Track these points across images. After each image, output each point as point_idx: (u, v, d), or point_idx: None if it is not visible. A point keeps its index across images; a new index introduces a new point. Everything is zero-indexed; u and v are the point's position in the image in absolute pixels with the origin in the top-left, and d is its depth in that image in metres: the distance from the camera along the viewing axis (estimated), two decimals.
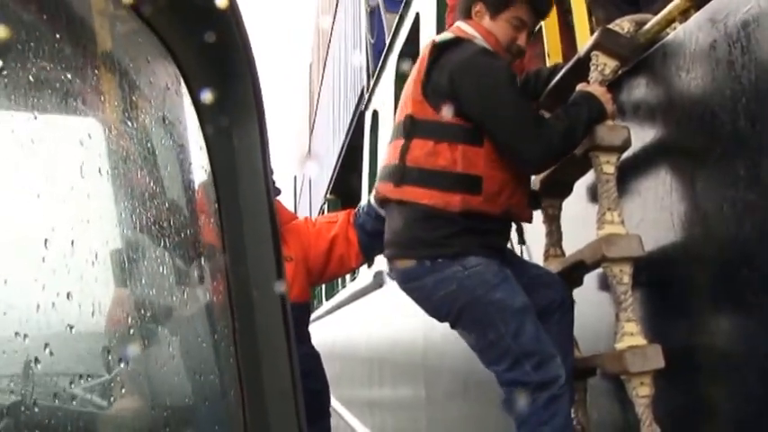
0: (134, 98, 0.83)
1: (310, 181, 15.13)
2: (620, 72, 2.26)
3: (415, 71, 2.20)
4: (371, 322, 6.93)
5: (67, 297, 0.63)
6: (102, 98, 0.79)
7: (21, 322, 0.58)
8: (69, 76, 0.72)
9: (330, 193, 12.24)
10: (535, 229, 2.45)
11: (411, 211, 2.12)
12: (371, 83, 7.85)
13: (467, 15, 2.28)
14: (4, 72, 0.61)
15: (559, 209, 2.50)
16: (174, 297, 0.87)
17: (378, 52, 7.65)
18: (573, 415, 2.22)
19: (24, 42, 0.64)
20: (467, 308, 2.08)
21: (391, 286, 5.89)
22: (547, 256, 2.47)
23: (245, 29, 0.77)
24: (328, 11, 12.73)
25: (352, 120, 9.38)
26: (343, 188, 10.94)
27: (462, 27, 2.26)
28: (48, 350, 0.61)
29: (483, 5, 2.24)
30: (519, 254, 2.44)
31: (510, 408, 2.07)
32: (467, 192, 2.06)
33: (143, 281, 0.82)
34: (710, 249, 1.94)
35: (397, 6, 6.60)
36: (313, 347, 2.85)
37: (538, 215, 2.48)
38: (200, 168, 0.83)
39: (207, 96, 0.79)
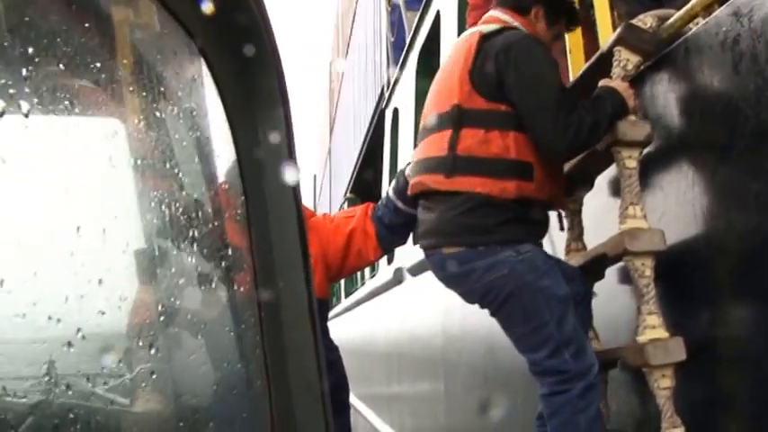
0: (160, 91, 0.84)
1: (330, 179, 15.18)
2: (642, 67, 2.27)
3: (460, 61, 2.20)
4: (391, 318, 6.96)
5: (94, 293, 0.64)
6: (128, 93, 0.80)
7: (46, 319, 0.58)
8: (94, 70, 0.72)
9: (350, 192, 12.28)
10: (554, 223, 2.47)
11: (463, 201, 2.11)
12: (392, 81, 7.88)
13: (517, 10, 2.30)
14: (30, 68, 0.62)
15: (581, 203, 2.51)
16: (201, 290, 0.86)
17: (398, 50, 7.68)
18: None
19: (50, 39, 0.65)
20: (515, 293, 2.09)
21: (411, 282, 5.92)
22: (568, 250, 2.49)
23: (269, 19, 0.77)
24: (348, 9, 12.77)
25: (372, 118, 9.41)
26: (364, 187, 10.97)
27: (502, 17, 2.29)
28: (73, 347, 0.61)
29: (543, 13, 2.31)
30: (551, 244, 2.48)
31: (546, 396, 2.08)
32: (520, 178, 2.09)
33: (169, 275, 0.82)
34: (732, 243, 1.95)
35: (418, 4, 6.62)
36: (331, 341, 2.88)
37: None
38: (225, 160, 0.83)
39: (232, 87, 0.79)
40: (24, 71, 0.61)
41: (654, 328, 2.00)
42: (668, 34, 2.21)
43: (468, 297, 2.26)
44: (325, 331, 2.88)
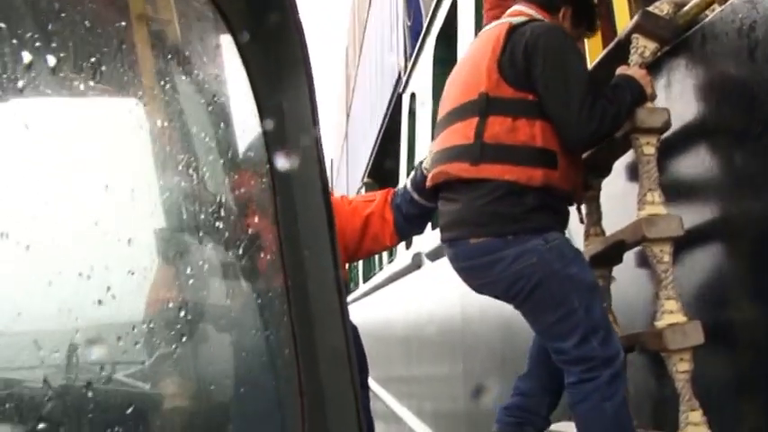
0: (183, 63, 0.84)
1: (347, 164, 15.21)
2: (659, 54, 2.28)
3: (488, 51, 2.20)
4: (409, 303, 7.01)
5: (113, 274, 0.64)
6: (150, 64, 0.79)
7: (64, 303, 0.58)
8: (114, 41, 0.71)
9: (367, 177, 12.31)
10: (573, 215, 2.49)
11: (489, 189, 2.11)
12: (409, 66, 7.87)
13: (546, 8, 2.32)
14: (53, 46, 0.61)
15: (599, 189, 2.53)
16: (226, 261, 0.86)
17: (415, 34, 7.66)
18: None
19: (69, 11, 0.64)
20: (544, 281, 2.09)
21: (429, 267, 5.96)
22: (587, 236, 2.51)
23: None
24: None
25: (389, 103, 9.42)
26: (381, 172, 10.99)
27: (528, 11, 2.30)
28: (93, 330, 0.62)
29: (571, 14, 2.34)
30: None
31: (573, 384, 2.09)
32: (546, 166, 2.09)
33: (192, 250, 0.81)
34: (749, 227, 1.97)
35: None
36: (350, 320, 2.91)
37: None
38: (249, 130, 0.83)
39: (255, 56, 0.79)
40: (44, 43, 0.61)
41: (672, 313, 2.03)
42: (685, 21, 2.22)
43: (490, 288, 2.25)
44: None
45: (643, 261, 2.26)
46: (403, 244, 6.42)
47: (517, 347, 3.42)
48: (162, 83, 0.81)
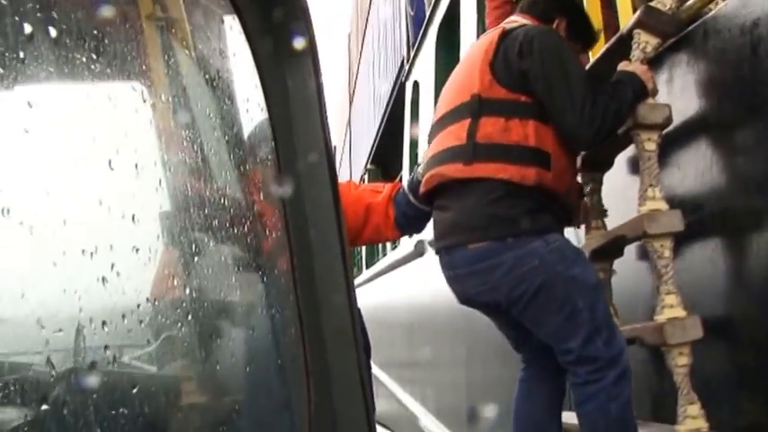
0: (188, 48, 0.82)
1: (350, 150, 15.21)
2: (661, 49, 2.29)
3: (480, 54, 2.20)
4: (412, 289, 7.04)
5: (117, 259, 0.63)
6: (154, 49, 0.78)
7: (69, 290, 0.58)
8: (118, 25, 0.70)
9: (371, 164, 12.32)
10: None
11: (485, 191, 2.09)
12: (412, 54, 7.86)
13: (540, 19, 2.31)
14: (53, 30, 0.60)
15: (600, 182, 2.54)
16: (230, 244, 0.85)
17: (418, 23, 7.65)
18: None
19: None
20: (546, 284, 2.07)
21: (432, 255, 5.98)
22: (588, 229, 2.53)
23: None
24: None
25: (392, 90, 9.41)
26: (384, 159, 11.00)
27: (523, 21, 2.30)
28: (97, 315, 0.61)
29: (565, 26, 2.32)
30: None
31: (579, 385, 2.08)
32: (540, 166, 2.08)
33: (197, 233, 0.80)
34: (750, 223, 1.99)
35: None
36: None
37: None
38: (256, 113, 0.82)
39: (262, 38, 0.78)
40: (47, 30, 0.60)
41: (672, 308, 2.05)
42: (687, 15, 2.23)
43: (490, 294, 2.17)
44: None
45: (643, 254, 2.28)
46: None
47: None
48: (166, 64, 0.80)
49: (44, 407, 0.58)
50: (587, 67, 2.53)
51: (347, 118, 15.70)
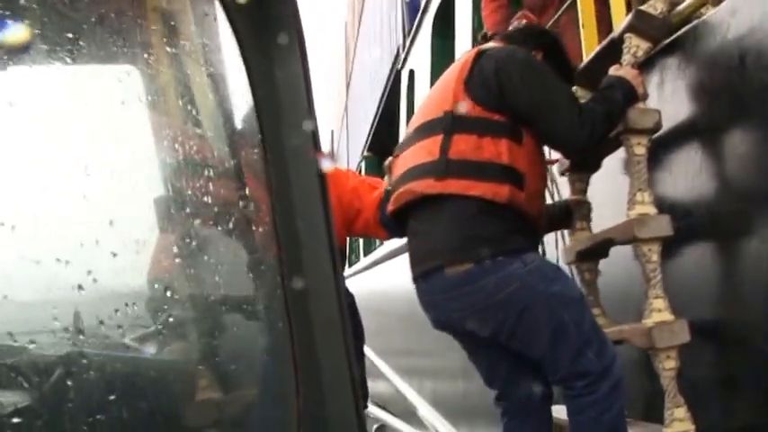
0: (171, 30, 0.82)
1: (347, 136, 15.19)
2: (652, 53, 2.29)
3: (455, 73, 2.19)
4: (410, 277, 7.05)
5: (114, 242, 0.64)
6: (138, 33, 0.78)
7: (67, 270, 0.59)
8: (103, 12, 0.71)
9: (368, 151, 12.31)
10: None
11: (457, 210, 2.05)
12: (407, 42, 7.84)
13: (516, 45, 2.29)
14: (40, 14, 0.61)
15: (587, 184, 2.55)
16: (220, 233, 0.85)
17: (413, 11, 7.63)
18: None
19: None
20: (529, 305, 2.04)
21: None
22: (573, 231, 2.54)
23: None
24: None
25: (388, 78, 9.39)
26: (381, 146, 10.99)
27: (499, 46, 2.30)
28: (95, 297, 0.62)
29: (542, 57, 2.28)
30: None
31: (572, 398, 2.06)
32: (512, 184, 2.05)
33: (188, 219, 0.80)
34: (737, 228, 2.01)
35: None
36: (347, 288, 2.87)
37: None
38: (240, 94, 0.82)
39: (245, 20, 0.77)
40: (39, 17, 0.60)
41: (660, 312, 2.07)
42: (678, 20, 2.24)
43: (472, 321, 2.12)
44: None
45: (630, 255, 2.27)
46: None
47: None
48: (150, 50, 0.80)
49: (42, 388, 0.59)
50: (579, 69, 2.54)
51: (344, 103, 15.67)
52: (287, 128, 0.80)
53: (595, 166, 2.50)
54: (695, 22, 2.18)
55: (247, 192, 0.86)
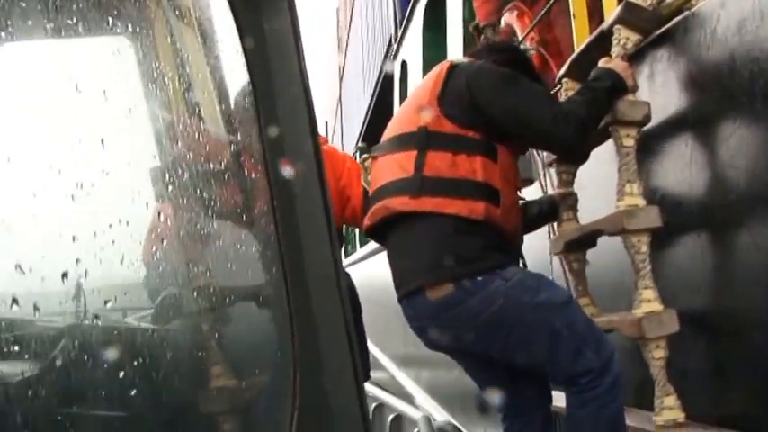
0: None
1: (341, 127, 15.18)
2: (642, 45, 2.31)
3: (429, 86, 2.18)
4: None
5: (111, 216, 0.64)
6: (128, 4, 0.77)
7: (66, 247, 0.59)
8: None
9: (362, 141, 12.31)
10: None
11: (435, 228, 2.05)
12: (399, 33, 7.83)
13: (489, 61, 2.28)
14: None
15: (574, 175, 2.57)
16: (217, 204, 0.84)
17: (405, 1, 7.61)
18: None
19: None
20: (518, 319, 2.05)
21: None
22: (560, 222, 2.55)
23: None
24: None
25: (380, 69, 9.39)
26: (375, 136, 10.98)
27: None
28: (96, 273, 0.62)
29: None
30: None
31: (574, 394, 2.06)
32: (488, 201, 2.05)
33: (185, 190, 0.79)
34: (725, 219, 2.03)
35: None
36: (344, 270, 2.80)
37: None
38: (230, 55, 0.81)
39: None
40: None
41: (649, 302, 2.09)
42: (668, 12, 2.24)
43: (461, 343, 2.14)
44: None
45: (619, 244, 2.28)
46: None
47: None
48: (140, 17, 0.79)
49: (43, 360, 0.59)
50: (569, 61, 2.55)
51: (337, 95, 15.65)
52: (277, 81, 0.79)
53: (583, 158, 2.51)
54: (685, 13, 2.19)
55: (241, 149, 0.85)
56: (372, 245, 10.04)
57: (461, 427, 3.31)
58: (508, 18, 3.88)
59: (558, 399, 2.45)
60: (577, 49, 2.68)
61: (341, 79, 15.08)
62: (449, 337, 2.15)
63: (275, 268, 0.79)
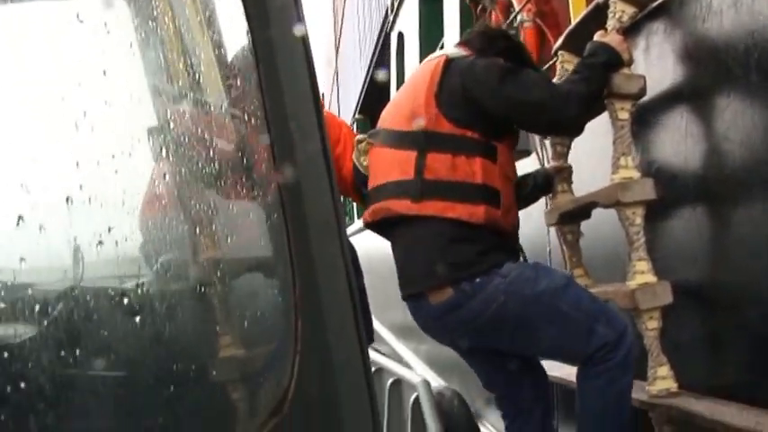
0: None
1: (338, 99, 15.11)
2: (637, 17, 2.30)
3: (426, 80, 2.17)
4: None
5: (109, 177, 0.64)
6: None
7: (63, 209, 0.59)
8: None
9: (359, 113, 12.28)
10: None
11: (436, 233, 2.06)
12: (395, 4, 7.77)
13: (477, 51, 2.26)
14: None
15: (569, 147, 2.58)
16: (217, 165, 0.82)
17: None
18: None
19: None
20: (523, 311, 2.06)
21: None
22: (555, 193, 2.56)
23: None
24: None
25: (377, 41, 9.33)
26: (372, 108, 10.95)
27: (463, 53, 2.28)
28: (92, 234, 0.61)
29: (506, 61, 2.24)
30: None
31: (588, 365, 2.06)
32: (488, 203, 2.07)
33: (184, 151, 0.79)
34: (719, 191, 2.05)
35: None
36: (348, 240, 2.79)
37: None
38: (230, 15, 0.80)
39: None
40: None
41: (643, 274, 2.11)
42: None
43: (469, 341, 2.18)
44: None
45: (613, 216, 2.30)
46: None
47: None
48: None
49: (42, 322, 0.59)
50: (565, 33, 2.55)
51: (334, 67, 15.55)
52: (276, 35, 0.78)
53: (578, 131, 2.51)
54: None
55: (238, 109, 0.84)
56: None
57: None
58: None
59: (554, 368, 2.50)
60: (573, 23, 2.67)
61: (337, 51, 14.98)
62: (455, 336, 2.21)
63: (276, 214, 0.78)
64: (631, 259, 2.14)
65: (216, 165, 0.82)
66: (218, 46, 0.86)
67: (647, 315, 2.10)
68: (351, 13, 12.82)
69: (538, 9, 3.92)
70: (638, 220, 2.14)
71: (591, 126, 2.48)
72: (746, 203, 1.95)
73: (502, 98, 2.10)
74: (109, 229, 0.67)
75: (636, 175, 2.16)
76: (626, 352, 2.04)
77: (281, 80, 0.78)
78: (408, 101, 2.22)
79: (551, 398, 2.49)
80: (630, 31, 2.30)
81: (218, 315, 0.81)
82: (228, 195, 0.84)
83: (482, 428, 3.65)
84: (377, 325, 8.82)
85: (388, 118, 2.28)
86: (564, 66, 2.58)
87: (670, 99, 2.24)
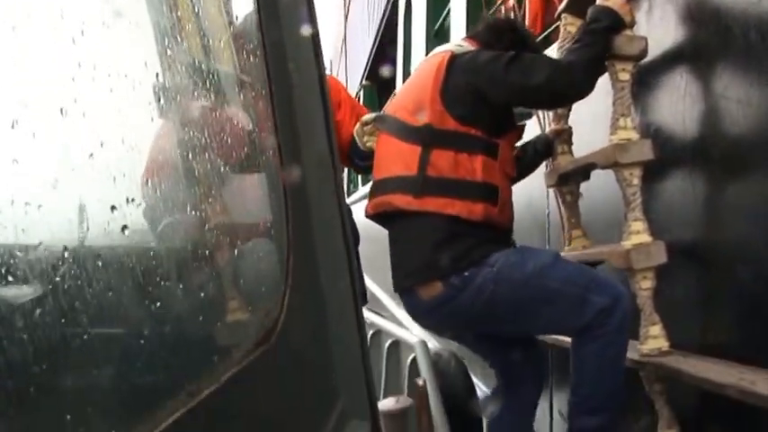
0: None
1: (345, 66, 15.03)
2: None
3: (431, 75, 2.20)
4: None
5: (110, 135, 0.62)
6: None
7: (66, 169, 0.58)
8: None
9: (366, 80, 12.22)
10: None
11: (432, 229, 2.10)
12: None
13: (483, 44, 2.29)
14: None
15: (569, 110, 2.58)
16: (217, 127, 0.81)
17: None
18: None
19: None
20: (515, 298, 2.10)
21: None
22: (555, 155, 2.58)
23: None
24: None
25: (385, 7, 9.25)
26: (379, 76, 10.91)
27: (469, 47, 2.29)
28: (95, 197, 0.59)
29: None
30: None
31: (586, 330, 2.07)
32: (486, 201, 2.11)
33: (186, 108, 0.77)
34: (716, 153, 2.06)
35: None
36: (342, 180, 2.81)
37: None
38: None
39: None
40: None
41: (638, 234, 2.14)
42: None
43: (475, 326, 2.25)
44: None
45: (611, 177, 2.31)
46: None
47: None
48: None
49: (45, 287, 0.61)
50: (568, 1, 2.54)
51: (342, 34, 15.44)
52: (282, 12, 0.78)
53: None
54: None
55: (245, 83, 0.83)
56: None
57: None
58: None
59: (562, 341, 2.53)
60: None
61: (346, 17, 14.87)
62: (449, 327, 2.27)
63: (271, 151, 0.78)
64: (627, 219, 2.16)
65: (214, 129, 0.80)
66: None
67: (640, 275, 2.12)
68: None
69: None
70: (636, 181, 2.16)
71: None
72: (743, 164, 1.96)
73: (507, 86, 2.12)
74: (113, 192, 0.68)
75: (634, 136, 2.17)
76: (622, 315, 2.06)
77: (285, 47, 0.78)
78: (414, 95, 2.25)
79: (546, 359, 2.54)
80: None
81: (209, 247, 0.79)
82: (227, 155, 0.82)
83: (478, 389, 3.70)
84: (376, 290, 8.89)
85: (397, 107, 2.31)
86: (567, 28, 2.58)
87: (670, 60, 2.24)
